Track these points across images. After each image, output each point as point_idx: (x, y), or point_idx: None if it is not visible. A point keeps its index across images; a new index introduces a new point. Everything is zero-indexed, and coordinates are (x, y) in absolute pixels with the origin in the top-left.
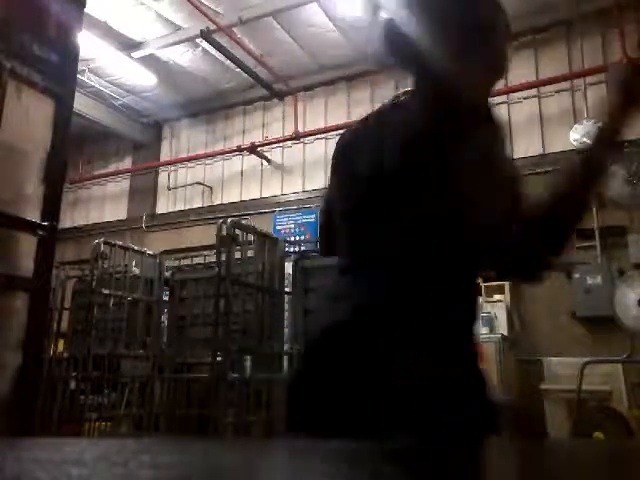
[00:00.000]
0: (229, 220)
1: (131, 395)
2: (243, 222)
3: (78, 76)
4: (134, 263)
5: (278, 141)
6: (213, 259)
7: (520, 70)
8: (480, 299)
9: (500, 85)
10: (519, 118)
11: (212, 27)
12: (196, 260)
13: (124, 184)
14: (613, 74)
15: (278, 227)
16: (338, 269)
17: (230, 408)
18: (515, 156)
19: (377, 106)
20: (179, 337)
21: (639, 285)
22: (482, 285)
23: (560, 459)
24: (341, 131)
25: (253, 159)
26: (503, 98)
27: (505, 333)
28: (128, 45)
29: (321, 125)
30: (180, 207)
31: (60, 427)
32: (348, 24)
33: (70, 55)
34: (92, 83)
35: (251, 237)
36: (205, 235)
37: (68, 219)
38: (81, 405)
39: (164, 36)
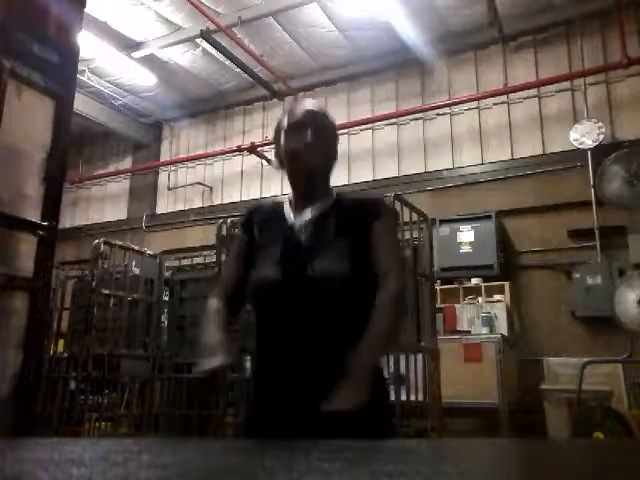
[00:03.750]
0: (229, 220)
1: (131, 395)
2: None
3: (78, 76)
4: (134, 263)
5: None
6: (213, 259)
7: (520, 70)
8: (480, 299)
9: (500, 85)
10: (519, 118)
11: (212, 27)
12: (196, 260)
13: (124, 184)
14: None
15: None
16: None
17: (230, 408)
18: (515, 156)
19: (377, 106)
20: (179, 337)
21: (639, 285)
22: (482, 285)
23: (560, 459)
24: (342, 131)
25: (253, 159)
26: (503, 98)
27: (505, 333)
28: (128, 45)
29: None
30: (180, 207)
31: (60, 427)
32: (348, 24)
33: (70, 55)
34: (92, 83)
35: None
36: (205, 235)
37: (68, 219)
38: (81, 405)
39: (164, 36)
